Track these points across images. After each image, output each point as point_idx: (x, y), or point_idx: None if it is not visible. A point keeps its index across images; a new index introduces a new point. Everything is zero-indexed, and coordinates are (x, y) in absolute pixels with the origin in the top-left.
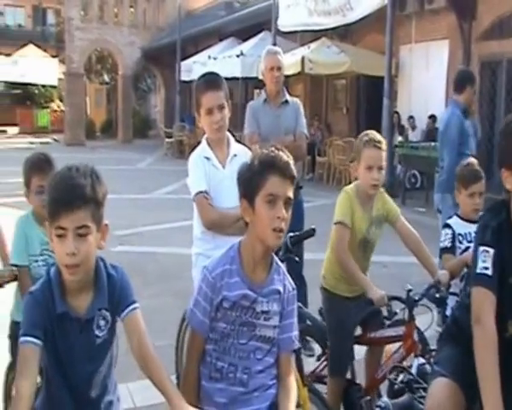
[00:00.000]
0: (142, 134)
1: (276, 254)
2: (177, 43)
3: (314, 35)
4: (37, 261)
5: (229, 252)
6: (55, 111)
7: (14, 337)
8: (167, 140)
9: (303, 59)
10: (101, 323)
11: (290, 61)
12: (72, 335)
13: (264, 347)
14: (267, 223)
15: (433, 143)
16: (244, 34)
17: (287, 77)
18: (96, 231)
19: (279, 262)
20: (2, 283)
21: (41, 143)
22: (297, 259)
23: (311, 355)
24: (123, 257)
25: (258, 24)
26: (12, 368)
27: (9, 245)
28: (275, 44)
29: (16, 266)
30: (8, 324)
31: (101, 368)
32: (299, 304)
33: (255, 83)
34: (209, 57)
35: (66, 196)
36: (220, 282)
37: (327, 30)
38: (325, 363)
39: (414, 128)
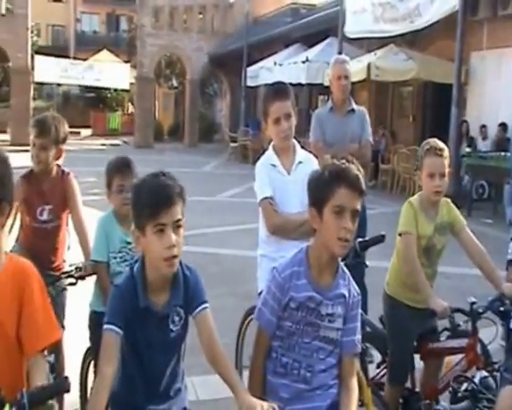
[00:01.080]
0: (208, 138)
1: (344, 259)
2: (243, 49)
3: (381, 41)
4: (115, 258)
5: (297, 255)
6: (126, 114)
7: (93, 326)
8: (232, 144)
9: (369, 65)
10: (176, 319)
11: (356, 67)
12: (150, 328)
13: (327, 347)
14: (334, 233)
15: (503, 153)
16: (310, 40)
17: (352, 84)
18: (183, 226)
19: (345, 269)
20: (83, 276)
21: (112, 144)
22: (367, 263)
23: (371, 362)
24: (188, 257)
25: (325, 30)
26: (89, 355)
27: (91, 242)
28: (341, 51)
29: (96, 261)
30: (88, 314)
31: (173, 359)
32: (360, 310)
33: (320, 89)
34: (275, 63)
35: (164, 196)
36: (288, 283)
37: (394, 37)
38: (385, 371)
39: (485, 138)
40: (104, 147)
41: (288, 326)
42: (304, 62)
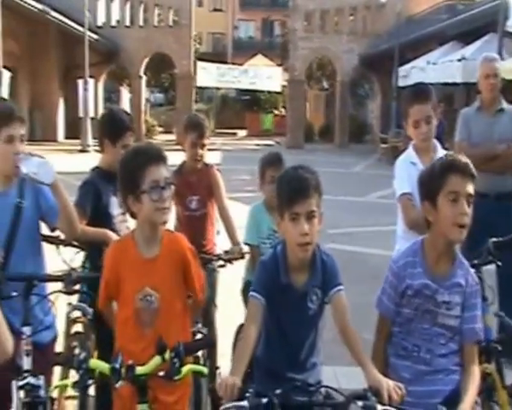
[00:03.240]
0: (358, 139)
1: (476, 258)
2: (395, 48)
3: None
4: (264, 243)
5: (412, 246)
6: (279, 116)
7: (245, 292)
8: (382, 145)
9: None
10: (314, 298)
11: None
12: (291, 303)
13: (447, 334)
14: (450, 219)
15: None
16: (467, 37)
17: (510, 82)
18: (318, 217)
19: (463, 259)
20: (231, 259)
21: (265, 145)
22: (499, 263)
23: None
24: (333, 254)
25: (483, 26)
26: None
27: (238, 231)
28: (501, 48)
29: (249, 244)
30: (242, 284)
31: (311, 335)
32: (501, 313)
33: (477, 88)
34: (428, 62)
35: (301, 188)
36: (404, 272)
37: None
38: None
39: None
40: (258, 147)
41: (406, 313)
42: (459, 61)
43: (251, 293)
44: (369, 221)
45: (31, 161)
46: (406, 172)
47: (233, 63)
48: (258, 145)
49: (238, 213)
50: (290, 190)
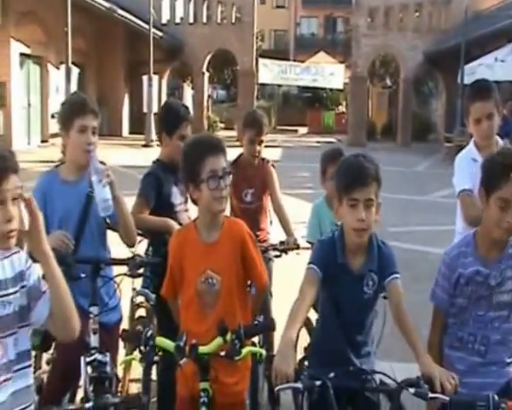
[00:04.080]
0: (421, 137)
1: None
2: (461, 45)
3: None
4: None
5: (465, 238)
6: (340, 113)
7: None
8: (446, 144)
9: None
10: (370, 283)
11: None
12: (346, 285)
13: (502, 313)
14: (496, 222)
15: None
16: None
17: None
18: (375, 206)
19: None
20: (286, 249)
21: (326, 142)
22: None
23: None
24: (396, 253)
25: None
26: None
27: (298, 226)
28: None
29: (310, 243)
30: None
31: (366, 321)
32: None
33: None
34: (496, 59)
35: (360, 175)
36: (456, 262)
37: None
38: None
39: None
40: (319, 144)
41: (460, 302)
42: None
43: (308, 266)
44: (431, 220)
45: (98, 191)
46: (467, 168)
47: (295, 60)
48: (319, 143)
49: (298, 210)
50: (350, 177)
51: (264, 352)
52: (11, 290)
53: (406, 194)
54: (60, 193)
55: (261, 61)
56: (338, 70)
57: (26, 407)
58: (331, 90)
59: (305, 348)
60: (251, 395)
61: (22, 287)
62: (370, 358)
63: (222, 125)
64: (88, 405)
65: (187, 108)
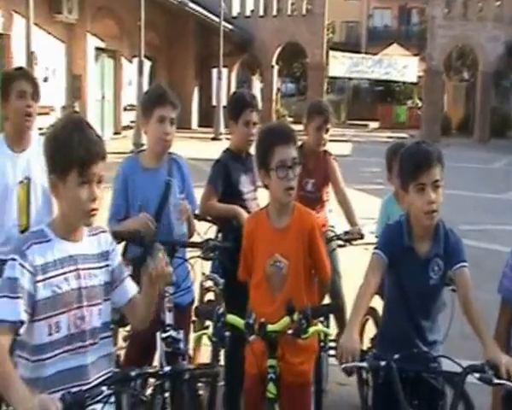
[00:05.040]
0: (500, 133)
1: None
2: None
3: None
4: None
5: None
6: (413, 107)
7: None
8: None
9: None
10: (436, 268)
11: None
12: (412, 269)
13: None
14: None
15: None
16: None
17: None
18: (441, 187)
19: None
20: (350, 239)
21: (398, 138)
22: None
23: None
24: (467, 250)
25: None
26: None
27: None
28: None
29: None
30: None
31: (433, 307)
32: None
33: None
34: None
35: (425, 159)
36: None
37: None
38: None
39: None
40: (390, 140)
41: None
42: None
43: (374, 251)
44: (507, 219)
45: (176, 226)
46: None
47: (366, 53)
48: (390, 138)
49: (367, 205)
50: (415, 162)
51: (330, 332)
52: (97, 265)
53: (482, 192)
54: (140, 179)
55: (332, 53)
56: (412, 63)
57: (107, 373)
58: (404, 83)
59: (372, 339)
60: (315, 382)
61: (107, 266)
62: (436, 346)
63: (290, 119)
64: (166, 369)
65: (254, 96)
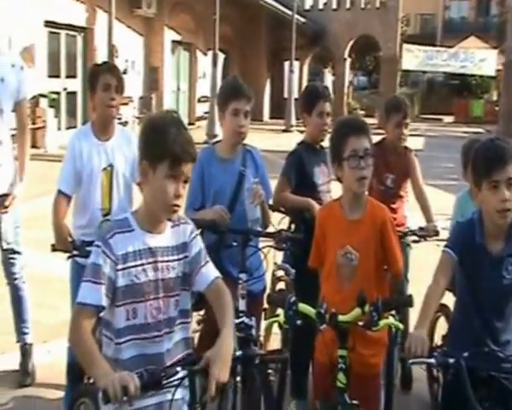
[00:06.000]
0: None
1: None
2: None
3: None
4: None
5: None
6: (490, 102)
7: None
8: None
9: None
10: (509, 267)
11: None
12: (484, 268)
13: None
14: None
15: None
16: None
17: None
18: None
19: None
20: (425, 236)
21: (474, 133)
22: None
23: None
24: None
25: None
26: None
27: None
28: None
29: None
30: None
31: (506, 308)
32: None
33: None
34: None
35: (499, 156)
36: None
37: None
38: None
39: None
40: (465, 135)
41: None
42: None
43: (443, 249)
44: None
45: (249, 209)
46: None
47: (442, 46)
48: (465, 133)
49: (440, 201)
50: (488, 159)
51: (401, 326)
52: (175, 257)
53: None
54: (216, 169)
55: (405, 46)
56: (490, 56)
57: (183, 356)
58: (481, 77)
59: (444, 337)
60: (386, 376)
61: (185, 257)
62: (509, 346)
63: (362, 113)
64: (237, 353)
65: (327, 87)
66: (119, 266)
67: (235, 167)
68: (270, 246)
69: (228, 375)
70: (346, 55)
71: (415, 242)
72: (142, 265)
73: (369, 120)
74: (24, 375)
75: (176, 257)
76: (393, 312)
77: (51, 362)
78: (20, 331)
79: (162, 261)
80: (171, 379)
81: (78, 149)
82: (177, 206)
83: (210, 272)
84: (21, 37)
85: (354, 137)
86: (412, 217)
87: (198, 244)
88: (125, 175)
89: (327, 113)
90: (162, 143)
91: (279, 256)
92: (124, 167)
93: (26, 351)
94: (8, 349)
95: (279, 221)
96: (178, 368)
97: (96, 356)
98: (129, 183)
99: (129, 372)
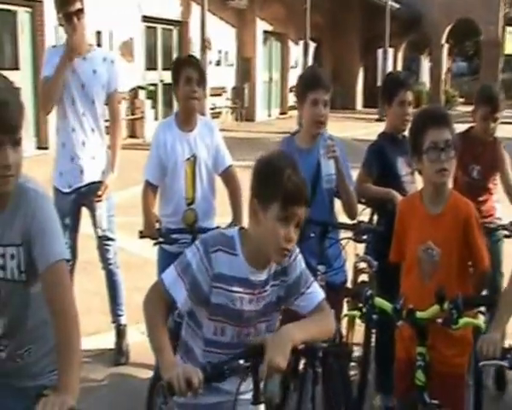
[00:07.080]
0: None
1: None
2: None
3: None
4: None
5: None
6: None
7: None
8: None
9: None
10: None
11: None
12: None
13: None
14: None
15: None
16: None
17: None
18: None
19: None
20: None
21: None
22: None
23: None
24: None
25: None
26: None
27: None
28: None
29: None
30: None
31: None
32: None
33: None
34: None
35: None
36: None
37: None
38: None
39: None
40: None
41: None
42: None
43: None
44: None
45: (323, 165)
46: None
47: None
48: None
49: None
50: None
51: (483, 325)
52: (273, 283)
53: None
54: (296, 159)
55: (509, 29)
56: None
57: None
58: None
59: None
60: (474, 378)
61: (282, 281)
62: None
63: (461, 100)
64: (300, 346)
65: (409, 75)
66: (214, 284)
67: (313, 157)
68: (349, 238)
69: (285, 363)
70: (443, 40)
71: (506, 237)
72: (239, 292)
73: (468, 108)
74: (119, 354)
75: (273, 282)
76: (483, 310)
77: (144, 342)
78: (115, 313)
79: (260, 293)
80: (234, 371)
81: (163, 140)
82: (288, 250)
83: (314, 296)
84: (120, 32)
85: (434, 128)
86: (504, 212)
87: (298, 267)
88: (207, 165)
89: (408, 102)
90: (275, 182)
91: (361, 248)
92: (206, 157)
93: (120, 331)
94: (104, 329)
95: (360, 212)
96: (241, 361)
97: (165, 345)
98: (211, 172)
99: (193, 367)
